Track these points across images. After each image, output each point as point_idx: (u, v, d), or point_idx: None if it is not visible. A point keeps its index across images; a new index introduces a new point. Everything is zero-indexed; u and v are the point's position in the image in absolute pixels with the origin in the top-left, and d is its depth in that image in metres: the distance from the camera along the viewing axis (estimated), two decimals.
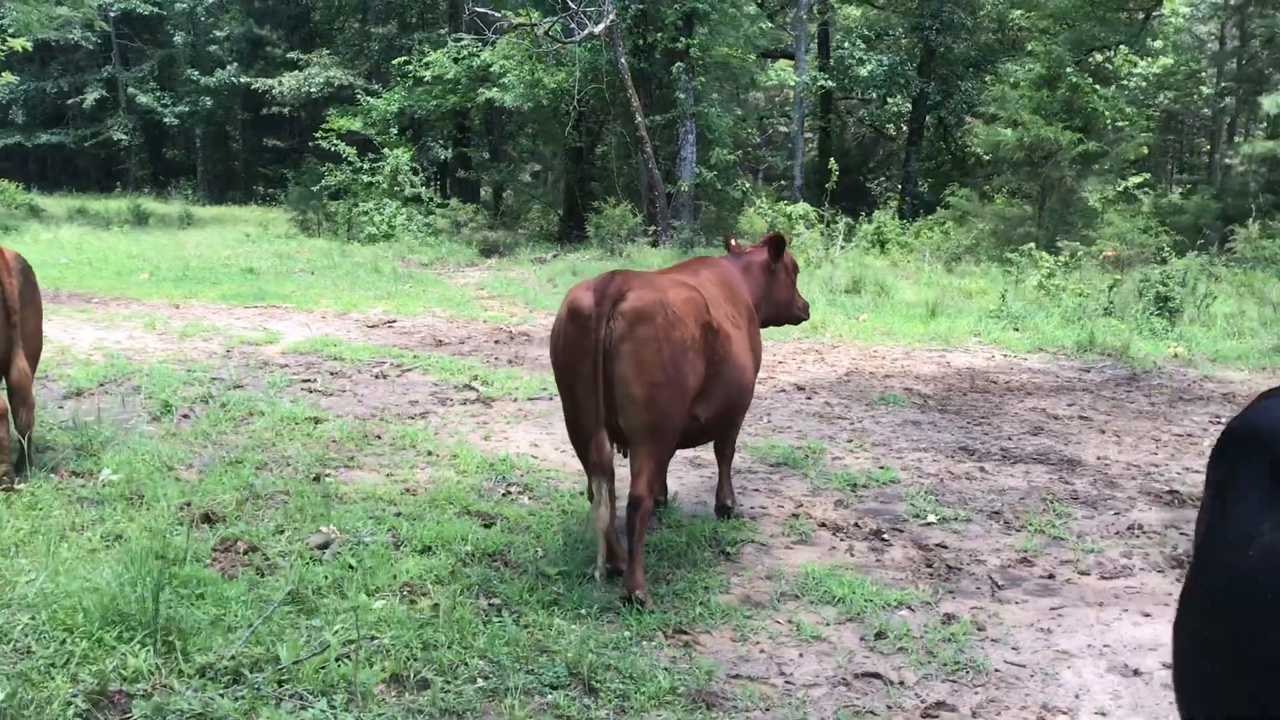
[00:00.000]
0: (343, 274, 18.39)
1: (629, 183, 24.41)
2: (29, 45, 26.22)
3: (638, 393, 5.06)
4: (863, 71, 26.78)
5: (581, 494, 6.90)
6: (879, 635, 4.93)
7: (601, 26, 20.65)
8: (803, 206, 22.22)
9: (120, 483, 6.79)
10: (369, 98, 25.84)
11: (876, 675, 4.56)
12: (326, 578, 5.35)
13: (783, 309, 7.11)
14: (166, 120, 47.10)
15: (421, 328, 13.06)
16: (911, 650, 4.79)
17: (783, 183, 33.17)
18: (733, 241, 7.31)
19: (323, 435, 8.09)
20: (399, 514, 6.37)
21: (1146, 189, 21.83)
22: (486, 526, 6.22)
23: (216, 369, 10.35)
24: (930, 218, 25.64)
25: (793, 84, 25.52)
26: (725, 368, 5.53)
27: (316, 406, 8.89)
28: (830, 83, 29.90)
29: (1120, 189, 19.87)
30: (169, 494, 6.53)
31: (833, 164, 19.18)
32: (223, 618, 4.80)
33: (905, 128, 37.34)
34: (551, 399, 9.40)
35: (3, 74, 25.97)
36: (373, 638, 4.67)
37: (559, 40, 21.94)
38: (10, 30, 27.13)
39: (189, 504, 6.46)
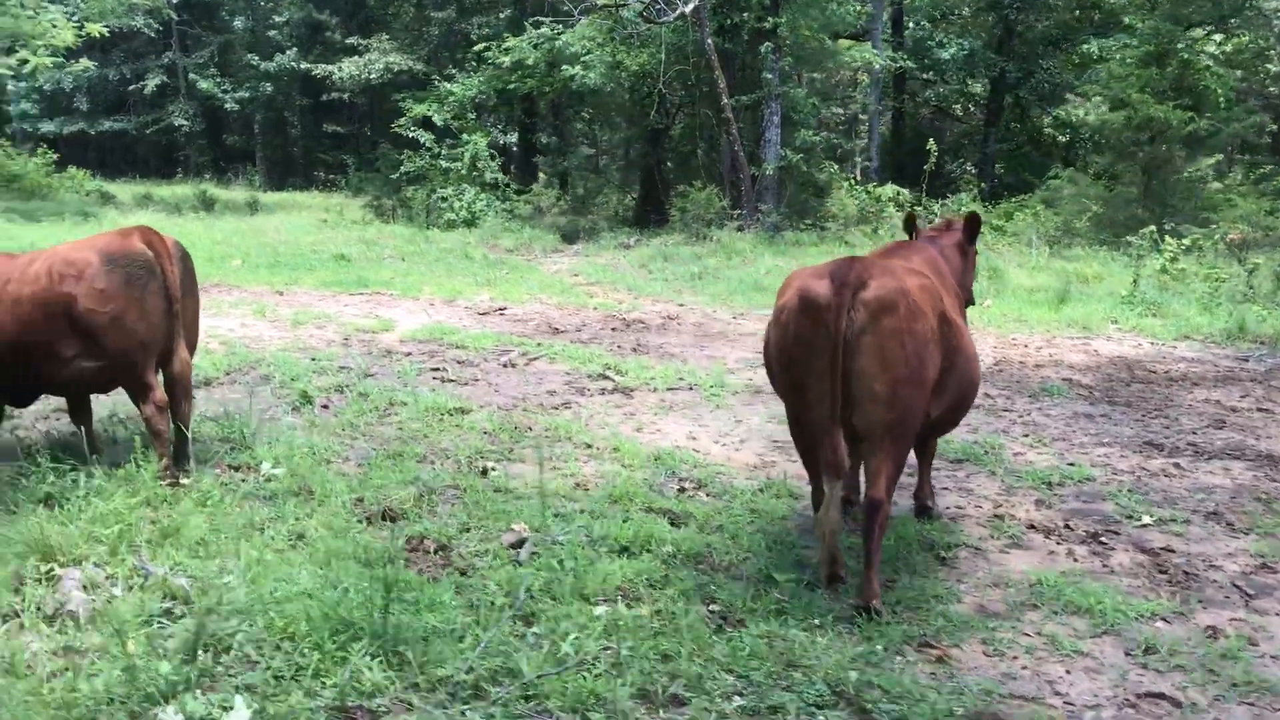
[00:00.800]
0: (433, 260, 18.18)
1: (710, 166, 24.00)
2: (105, 31, 26.29)
3: (880, 389, 4.72)
4: (944, 54, 26.16)
5: (760, 491, 6.61)
6: (1147, 650, 4.57)
7: (690, 7, 20.24)
8: (891, 188, 21.75)
9: (285, 477, 6.60)
10: (445, 83, 25.57)
11: (1162, 696, 4.22)
12: (533, 581, 5.09)
13: (967, 294, 6.75)
14: (227, 106, 47.22)
15: (533, 315, 12.80)
16: (1190, 668, 4.44)
17: (844, 164, 32.47)
18: (918, 222, 6.88)
19: (473, 426, 7.85)
20: (581, 510, 6.10)
21: (1260, 169, 21.08)
22: (676, 525, 5.92)
23: (340, 357, 10.15)
24: (1014, 200, 24.96)
25: (872, 65, 24.91)
26: (958, 360, 5.18)
27: (458, 397, 8.65)
28: (909, 63, 29.30)
29: (1246, 171, 19.20)
30: (338, 489, 6.31)
31: (931, 145, 18.67)
32: (444, 626, 4.55)
33: (972, 108, 36.61)
34: (691, 389, 9.11)
35: (80, 60, 26.03)
36: (606, 648, 4.39)
37: (647, 21, 21.56)
38: (82, 17, 27.18)
39: (361, 500, 6.24)
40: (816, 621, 4.75)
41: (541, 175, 32.83)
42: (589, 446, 7.44)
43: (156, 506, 5.83)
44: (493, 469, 6.88)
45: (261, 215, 28.68)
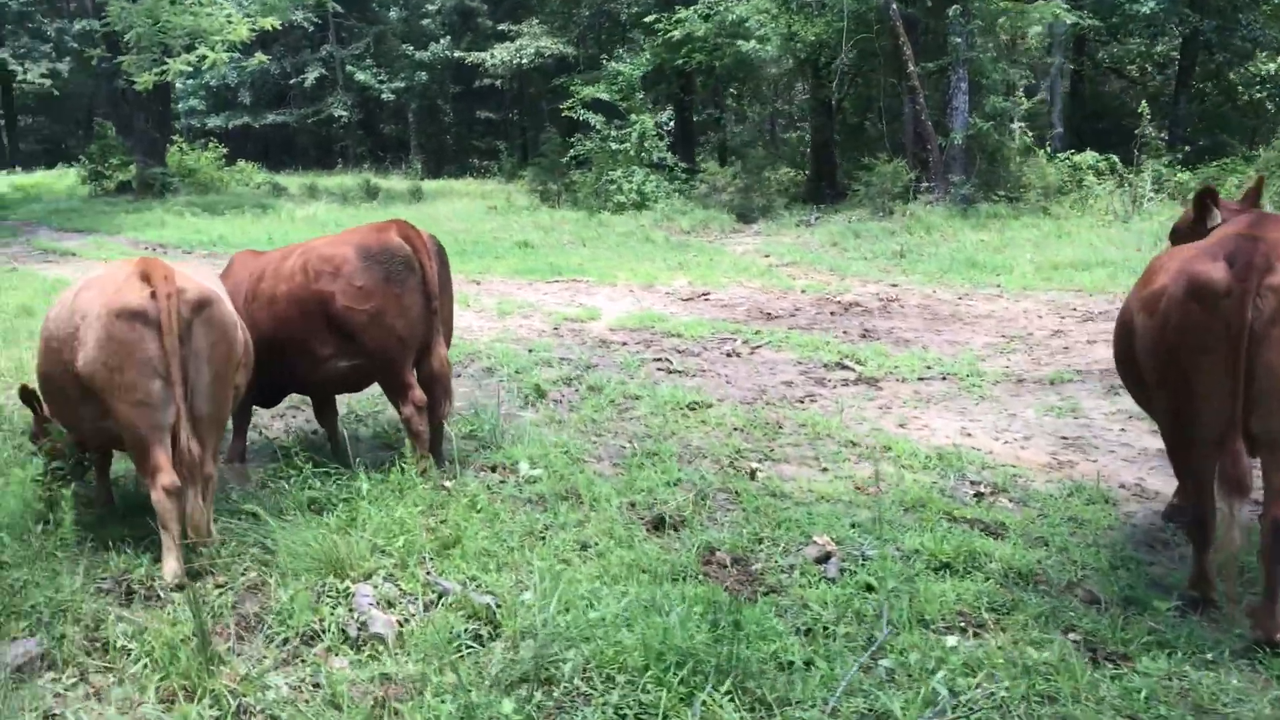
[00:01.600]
0: (613, 244, 17.90)
1: (889, 137, 23.05)
2: (277, 25, 26.88)
3: None
4: (1143, 8, 24.47)
5: (1070, 497, 5.96)
6: None
7: None
8: (1090, 155, 20.41)
9: (546, 479, 6.28)
10: (614, 63, 25.25)
11: None
12: (853, 601, 4.61)
13: None
14: (383, 96, 48.11)
15: (739, 299, 12.33)
16: None
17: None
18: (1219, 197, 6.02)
19: (719, 422, 7.42)
20: (875, 519, 5.59)
21: None
22: (994, 537, 5.35)
23: (556, 348, 9.88)
24: (1215, 163, 23.11)
25: (1057, 24, 23.51)
26: None
27: (692, 390, 8.23)
28: (1095, 20, 27.63)
29: None
30: (605, 493, 5.95)
31: (1144, 108, 17.40)
32: (784, 655, 4.10)
33: (1149, 68, 34.42)
34: (945, 378, 8.49)
35: (255, 55, 26.71)
36: (980, 687, 3.87)
37: None
38: (255, 12, 27.84)
39: (633, 504, 5.87)
40: (1209, 657, 4.13)
41: (699, 154, 32.25)
42: (854, 445, 6.91)
43: (434, 513, 5.55)
44: (759, 469, 6.43)
45: (426, 203, 28.97)
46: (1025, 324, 10.29)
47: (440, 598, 4.71)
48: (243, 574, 5.05)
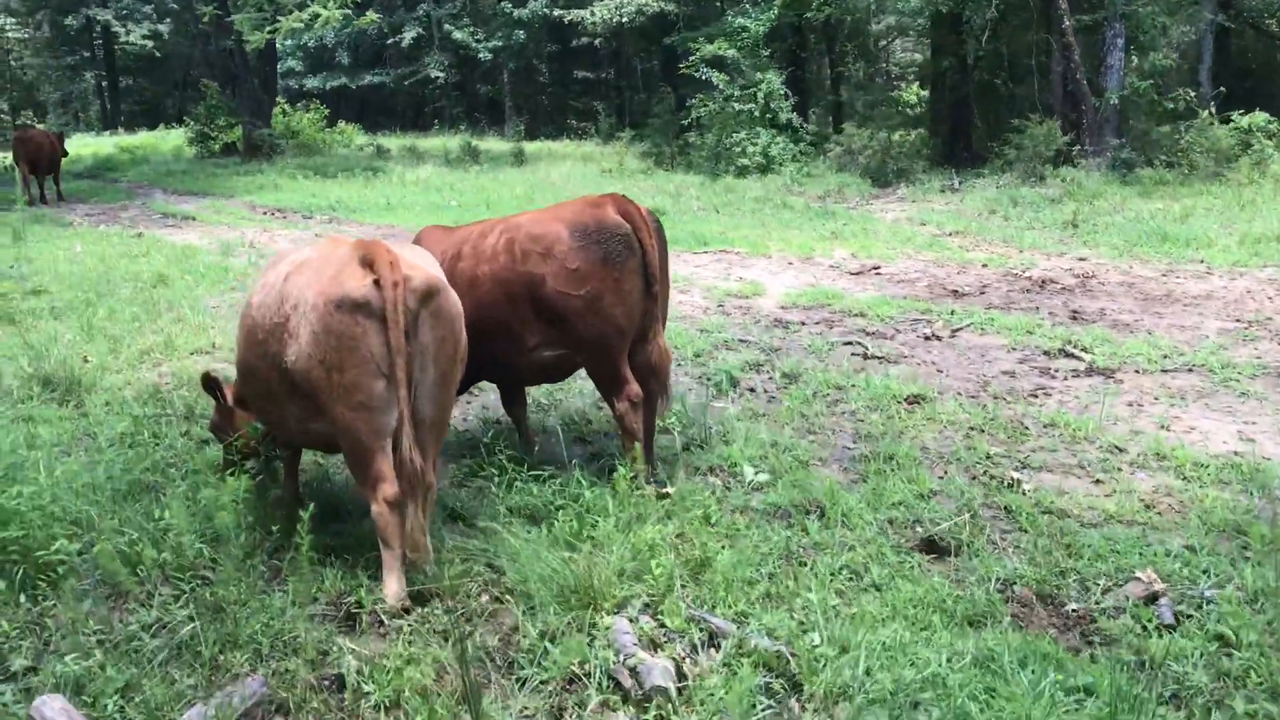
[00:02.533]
0: (748, 211, 17.12)
1: (1033, 97, 21.79)
2: None
3: None
4: None
5: None
6: None
7: None
8: (1261, 116, 18.96)
9: (777, 486, 5.63)
10: (737, 18, 24.27)
11: None
12: (1216, 660, 3.87)
13: None
14: (479, 56, 47.65)
15: (913, 273, 11.50)
16: None
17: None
18: None
19: (949, 420, 6.68)
20: (1190, 548, 4.82)
21: None
22: None
23: (729, 328, 9.20)
24: None
25: None
26: None
27: (903, 380, 7.49)
28: None
29: None
30: (851, 505, 5.27)
31: None
32: None
33: None
34: (1192, 370, 7.61)
35: (368, 13, 26.32)
36: None
37: None
38: None
39: (890, 521, 5.18)
40: None
41: (813, 113, 31.08)
42: (1119, 451, 6.12)
43: (681, 532, 4.92)
44: (1019, 479, 5.68)
45: (530, 166, 28.39)
46: (1257, 306, 9.31)
47: (711, 638, 4.09)
48: (472, 598, 4.49)
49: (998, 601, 4.34)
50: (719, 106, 23.19)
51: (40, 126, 31.53)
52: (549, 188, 21.28)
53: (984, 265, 11.56)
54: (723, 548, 4.78)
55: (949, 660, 3.79)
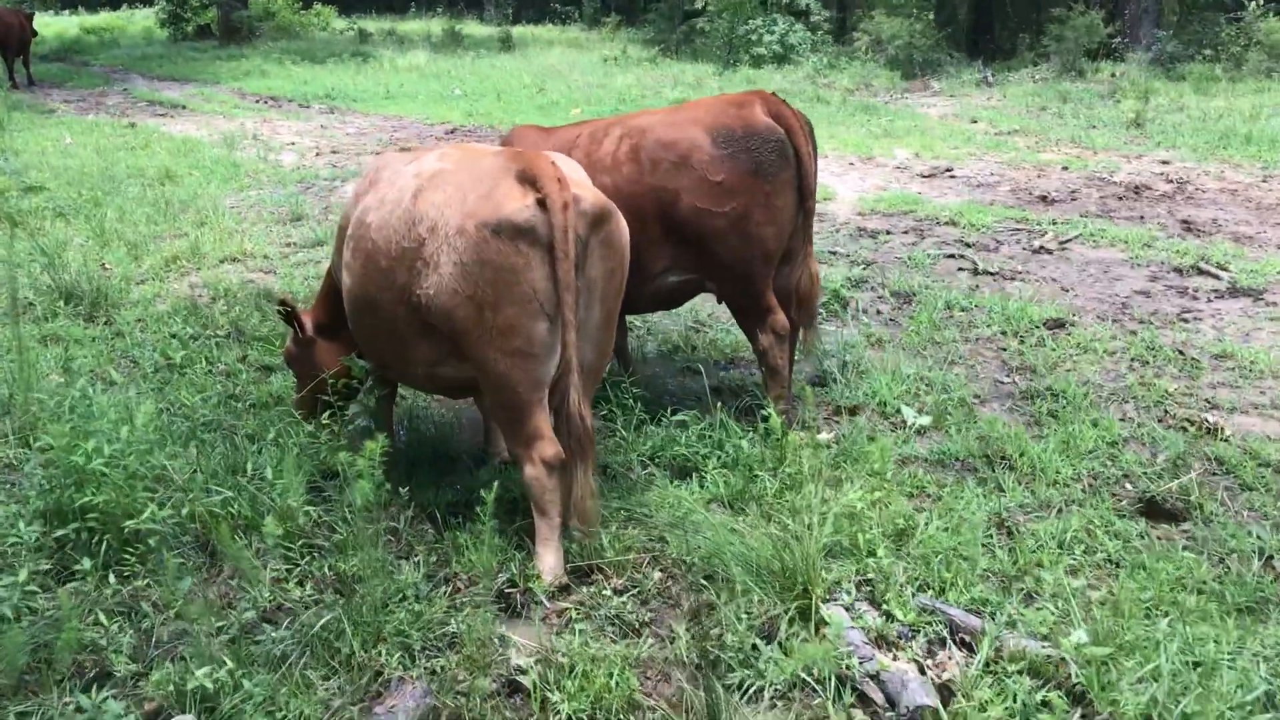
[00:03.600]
0: None
1: None
2: None
3: None
4: None
5: None
6: None
7: None
8: None
9: (949, 431, 4.95)
10: None
11: None
12: None
13: None
14: None
15: (990, 177, 10.72)
16: None
17: None
18: None
19: (1098, 348, 6.00)
20: None
21: None
22: None
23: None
24: None
25: None
26: None
27: (1043, 302, 6.79)
28: None
29: None
30: (1039, 456, 4.61)
31: None
32: None
33: None
34: None
35: None
36: None
37: None
38: None
39: (1094, 476, 4.51)
40: None
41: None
42: None
43: (877, 489, 4.24)
44: (1217, 423, 5.03)
45: (521, 52, 27.02)
46: None
47: (954, 632, 3.44)
48: (641, 574, 3.81)
49: (1268, 584, 3.70)
50: None
51: (4, 4, 29.73)
52: (557, 75, 20.16)
53: (1064, 168, 10.78)
54: (921, 513, 4.11)
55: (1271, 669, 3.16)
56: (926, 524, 3.98)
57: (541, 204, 3.58)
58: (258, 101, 17.38)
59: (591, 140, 5.13)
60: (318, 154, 12.40)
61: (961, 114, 14.92)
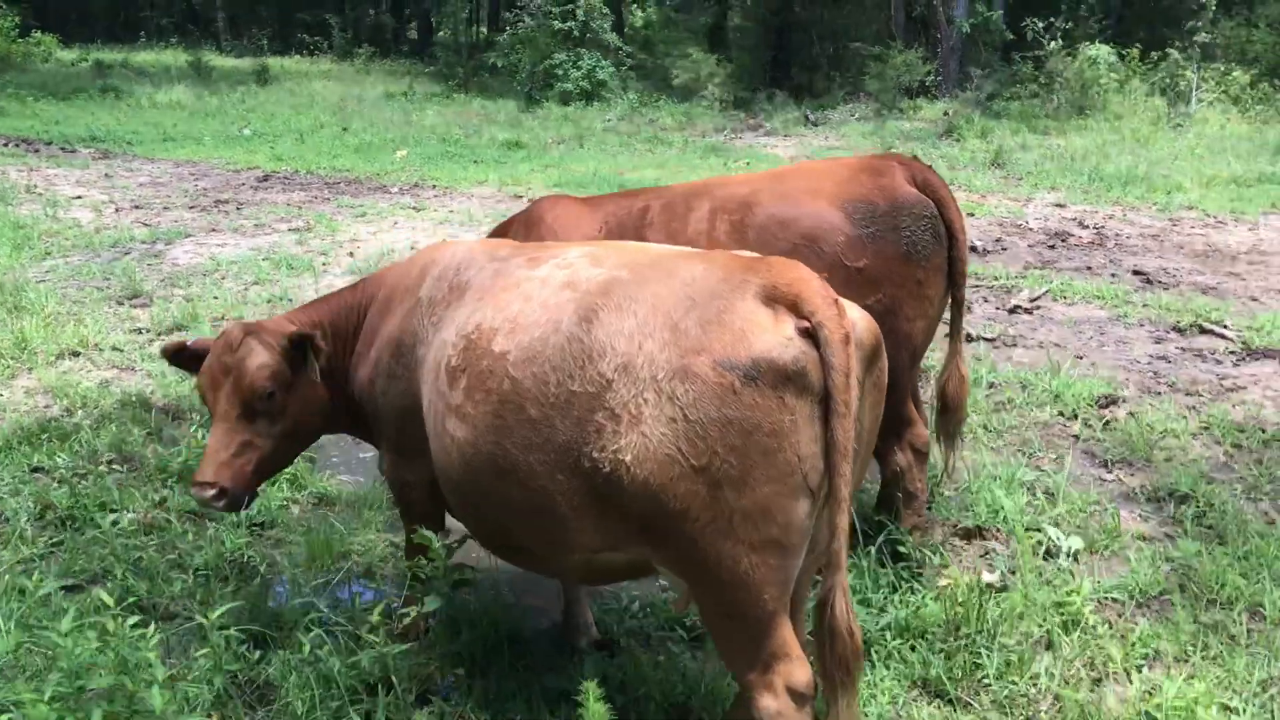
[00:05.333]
0: (619, 147, 15.34)
1: (863, 24, 21.00)
2: None
3: None
4: None
5: None
6: None
7: None
8: (1103, 48, 18.86)
9: (1113, 557, 4.15)
10: None
11: None
12: None
13: None
14: None
15: None
16: None
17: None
18: None
19: (1182, 430, 5.39)
20: None
21: None
22: None
23: None
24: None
25: None
26: None
27: (1083, 376, 6.16)
28: None
29: None
30: (1236, 583, 3.89)
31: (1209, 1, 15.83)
32: None
33: None
34: None
35: None
36: None
37: None
38: None
39: None
40: None
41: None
42: None
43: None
44: None
45: (280, 86, 25.02)
46: None
47: None
48: None
49: None
50: (537, 25, 20.96)
51: None
52: (350, 113, 18.53)
53: (971, 214, 10.41)
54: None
55: None
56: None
57: (807, 334, 2.51)
58: (6, 144, 14.92)
59: (668, 214, 4.07)
60: (117, 210, 10.51)
61: (813, 155, 14.53)
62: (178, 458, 4.87)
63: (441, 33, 26.21)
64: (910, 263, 3.82)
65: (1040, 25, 19.42)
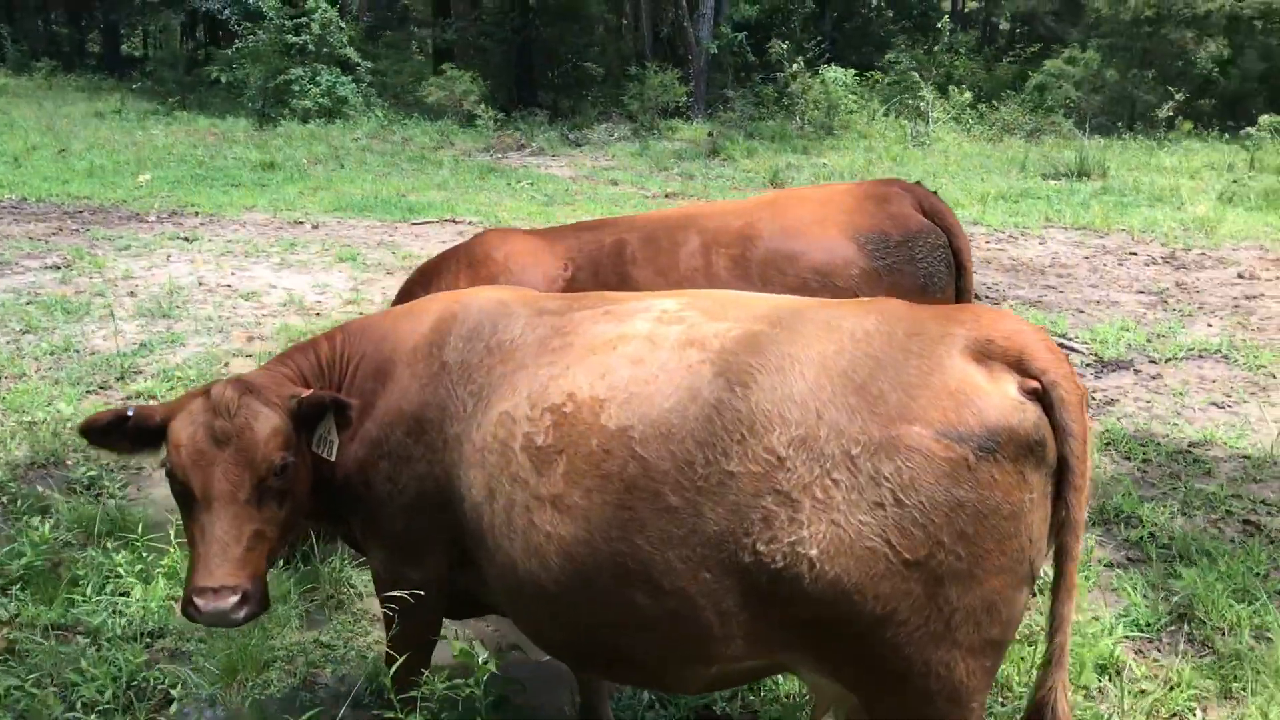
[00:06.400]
0: (383, 167, 14.49)
1: (612, 46, 20.99)
2: None
3: None
4: None
5: None
6: None
7: None
8: (838, 71, 19.60)
9: None
10: None
11: None
12: None
13: None
14: None
15: None
16: None
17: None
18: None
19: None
20: None
21: None
22: None
23: None
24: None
25: None
26: None
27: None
28: None
29: None
30: None
31: (944, 22, 16.72)
32: None
33: None
34: (1222, 357, 6.94)
35: None
36: None
37: None
38: None
39: None
40: None
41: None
42: None
43: None
44: None
45: None
46: (1125, 273, 9.08)
47: None
48: None
49: None
50: (271, 38, 19.52)
51: None
52: (67, 133, 16.53)
53: None
54: None
55: None
56: None
57: (1034, 396, 2.16)
58: None
59: (651, 249, 3.63)
60: None
61: (593, 175, 14.24)
62: (18, 559, 3.93)
63: (126, 45, 24.00)
64: (927, 296, 3.55)
65: (785, 48, 20.11)
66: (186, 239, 9.45)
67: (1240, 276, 8.75)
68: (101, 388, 5.97)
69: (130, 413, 2.73)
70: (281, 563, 4.07)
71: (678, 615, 2.27)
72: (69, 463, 5.09)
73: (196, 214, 10.65)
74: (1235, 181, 12.91)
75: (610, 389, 2.36)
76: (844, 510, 2.09)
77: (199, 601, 2.54)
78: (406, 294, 3.92)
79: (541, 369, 2.52)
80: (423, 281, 3.90)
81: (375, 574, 2.93)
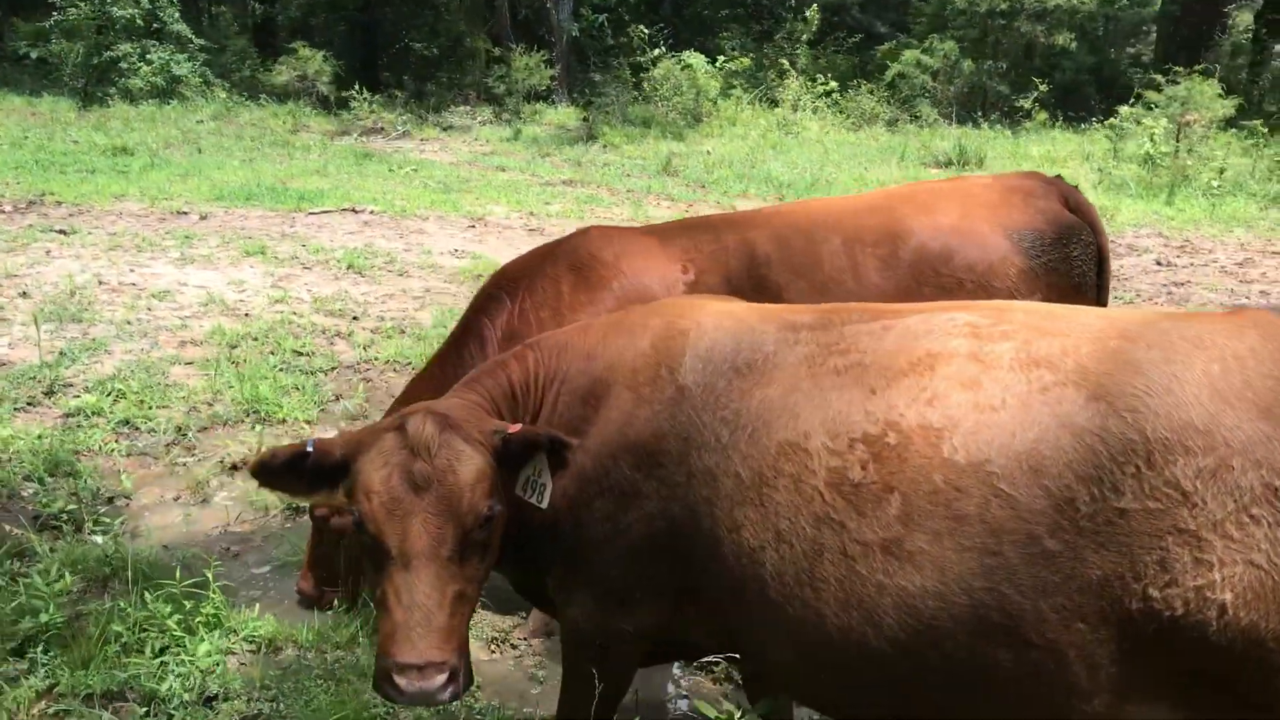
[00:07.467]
0: (249, 150, 13.56)
1: (460, 24, 20.28)
2: None
3: None
4: None
5: None
6: None
7: None
8: (695, 56, 19.31)
9: None
10: None
11: None
12: None
13: None
14: None
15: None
16: None
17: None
18: None
19: None
20: None
21: None
22: None
23: None
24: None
25: None
26: None
27: None
28: None
29: None
30: None
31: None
32: None
33: None
34: None
35: None
36: None
37: None
38: None
39: None
40: None
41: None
42: None
43: None
44: None
45: None
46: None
47: None
48: None
49: None
50: (90, 13, 17.94)
51: None
52: None
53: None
54: None
55: None
56: None
57: None
58: None
59: (784, 250, 3.34)
60: None
61: (474, 160, 13.70)
62: (30, 615, 3.33)
63: None
64: (1080, 296, 3.37)
65: (645, 33, 19.81)
66: (63, 232, 8.50)
67: (1158, 264, 9.05)
68: (31, 404, 5.23)
69: (309, 448, 2.28)
70: (342, 604, 3.59)
71: (1040, 671, 2.00)
72: (25, 493, 4.41)
73: (60, 204, 9.63)
74: (1101, 170, 13.44)
75: (945, 417, 2.07)
76: (1265, 551, 1.87)
77: (401, 681, 2.15)
78: (492, 300, 3.48)
79: (829, 393, 2.20)
80: (513, 286, 3.46)
81: (572, 626, 2.55)
